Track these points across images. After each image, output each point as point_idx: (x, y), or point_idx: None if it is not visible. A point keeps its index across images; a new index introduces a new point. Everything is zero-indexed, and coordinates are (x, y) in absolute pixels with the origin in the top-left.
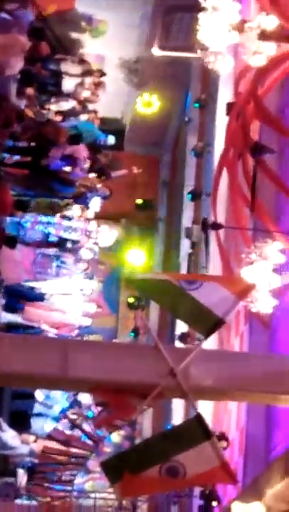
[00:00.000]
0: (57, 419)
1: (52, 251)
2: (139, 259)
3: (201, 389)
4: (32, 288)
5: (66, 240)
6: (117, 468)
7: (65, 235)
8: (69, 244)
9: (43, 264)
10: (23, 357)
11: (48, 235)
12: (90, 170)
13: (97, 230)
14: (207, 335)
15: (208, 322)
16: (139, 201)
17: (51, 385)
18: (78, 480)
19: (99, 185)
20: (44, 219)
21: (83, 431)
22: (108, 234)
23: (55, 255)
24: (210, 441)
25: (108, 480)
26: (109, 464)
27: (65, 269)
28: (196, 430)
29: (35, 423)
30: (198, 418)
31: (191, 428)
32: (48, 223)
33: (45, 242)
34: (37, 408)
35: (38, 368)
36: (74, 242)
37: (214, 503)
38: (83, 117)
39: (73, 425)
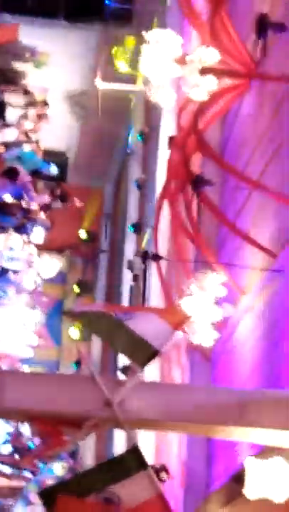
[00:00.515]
0: None
1: None
2: (82, 289)
3: (137, 420)
4: None
5: (8, 270)
6: (54, 497)
7: (6, 265)
8: (11, 274)
9: None
10: None
11: None
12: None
13: (40, 259)
14: (143, 365)
15: (144, 353)
16: (83, 233)
17: None
18: (19, 511)
19: (42, 217)
20: None
21: (24, 463)
22: (50, 264)
23: None
24: (146, 471)
25: (45, 508)
26: (46, 493)
27: (6, 300)
28: (132, 460)
29: None
30: (134, 448)
31: (128, 458)
32: None
33: None
34: None
35: None
36: (15, 272)
37: None
38: (26, 148)
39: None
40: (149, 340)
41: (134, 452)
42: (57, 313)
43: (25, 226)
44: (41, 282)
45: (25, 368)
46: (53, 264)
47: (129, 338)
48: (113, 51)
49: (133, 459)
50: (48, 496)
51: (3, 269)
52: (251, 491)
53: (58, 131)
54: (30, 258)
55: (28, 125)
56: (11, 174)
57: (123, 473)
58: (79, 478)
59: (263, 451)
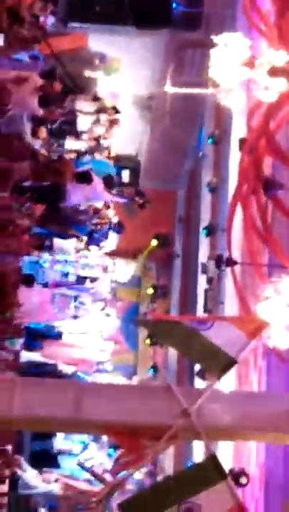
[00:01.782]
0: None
1: (70, 291)
2: (157, 294)
3: (215, 429)
4: (51, 327)
5: (85, 277)
6: (135, 509)
7: (83, 273)
8: (88, 282)
9: (61, 305)
10: (37, 400)
11: (66, 274)
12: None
13: (114, 264)
14: (219, 375)
15: (220, 362)
16: (156, 237)
17: (64, 428)
18: None
19: (114, 220)
20: (61, 258)
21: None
22: (125, 268)
23: (74, 296)
24: (225, 481)
25: None
26: (127, 506)
27: (83, 310)
28: (211, 471)
29: (61, 461)
30: (213, 458)
31: (206, 469)
32: (66, 262)
33: (63, 282)
34: (58, 447)
35: (52, 411)
36: (92, 279)
37: None
38: (97, 156)
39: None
40: (226, 349)
41: (212, 462)
42: (132, 318)
43: (98, 232)
44: (116, 288)
45: (103, 375)
46: (127, 269)
47: (205, 348)
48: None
49: (212, 469)
50: (127, 507)
51: (79, 277)
52: None
53: (128, 136)
54: (105, 264)
55: (99, 130)
56: (85, 178)
57: (202, 483)
58: (158, 490)
59: None
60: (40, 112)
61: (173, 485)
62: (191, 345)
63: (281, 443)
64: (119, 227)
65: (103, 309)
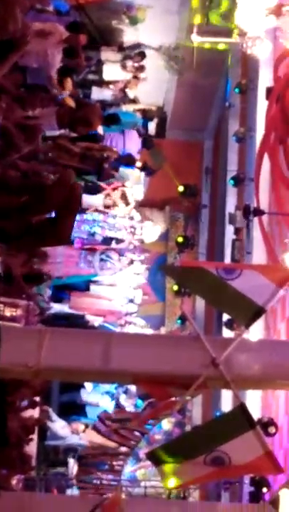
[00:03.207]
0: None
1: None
2: (184, 244)
3: (243, 378)
4: (78, 279)
5: (111, 238)
6: (162, 458)
7: (110, 234)
8: (114, 243)
9: (89, 260)
10: (65, 351)
11: (93, 234)
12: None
13: (142, 227)
14: (248, 324)
15: (249, 311)
16: (182, 188)
17: (93, 378)
18: (129, 468)
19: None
20: (90, 217)
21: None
22: (152, 229)
23: (101, 251)
24: (254, 430)
25: (154, 467)
26: (155, 454)
27: (110, 263)
28: (240, 420)
29: (89, 411)
30: (242, 407)
31: (235, 418)
32: (94, 221)
33: (91, 241)
34: (86, 398)
35: (80, 361)
36: (119, 240)
37: (264, 490)
38: (125, 108)
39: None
40: (254, 298)
41: (241, 411)
42: (159, 269)
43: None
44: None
45: (131, 327)
46: (154, 229)
47: (233, 297)
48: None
49: (241, 418)
50: (157, 457)
51: (105, 238)
52: None
53: (155, 87)
54: (133, 225)
55: (126, 76)
56: (113, 120)
57: (231, 432)
58: (186, 439)
59: None
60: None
61: (201, 434)
62: (219, 293)
63: None
64: (148, 171)
65: (131, 263)
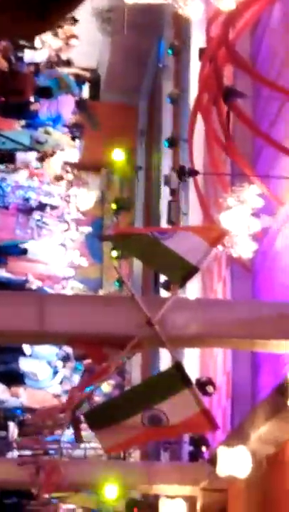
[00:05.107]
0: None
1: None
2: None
3: (179, 337)
4: (14, 244)
5: (46, 204)
6: (99, 418)
7: (44, 200)
8: (48, 209)
9: (24, 225)
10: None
11: (27, 199)
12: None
13: (76, 194)
14: (182, 283)
15: (182, 270)
16: (117, 150)
17: (28, 340)
18: (69, 431)
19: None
20: (25, 183)
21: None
22: (87, 197)
23: (36, 217)
24: (190, 388)
25: (90, 429)
26: (92, 415)
27: (45, 230)
28: (176, 378)
29: (27, 379)
30: (177, 366)
31: (171, 376)
32: (29, 187)
33: (25, 207)
34: (24, 366)
35: (14, 323)
36: (53, 207)
37: (203, 449)
38: (58, 70)
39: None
40: (188, 257)
41: (177, 370)
42: (97, 232)
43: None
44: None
45: (69, 288)
46: (89, 197)
47: (167, 257)
48: None
49: (177, 377)
50: (94, 418)
51: (41, 203)
52: None
53: (88, 49)
54: (67, 193)
55: (56, 43)
56: (45, 93)
57: (168, 390)
58: (123, 398)
59: None
60: None
61: (137, 393)
62: (153, 254)
63: (245, 349)
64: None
65: (67, 230)
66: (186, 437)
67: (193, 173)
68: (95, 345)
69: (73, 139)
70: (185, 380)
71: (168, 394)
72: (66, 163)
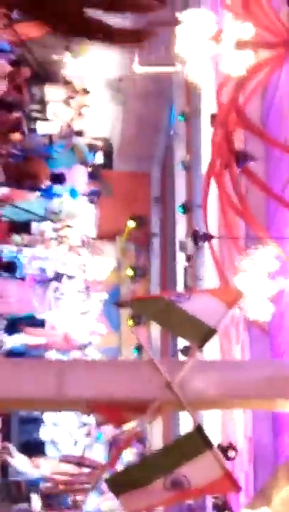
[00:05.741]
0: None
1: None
2: (137, 274)
3: (199, 400)
4: (31, 316)
5: (62, 274)
6: (121, 483)
7: (61, 270)
8: (65, 279)
9: (41, 296)
10: (17, 380)
11: (44, 270)
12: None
13: (92, 264)
14: (200, 345)
15: (200, 332)
16: (132, 219)
17: (48, 407)
18: (93, 502)
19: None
20: (41, 254)
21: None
22: (103, 265)
23: (54, 289)
24: (211, 451)
25: (114, 496)
26: (114, 480)
27: (62, 300)
28: (197, 441)
29: (48, 448)
30: (198, 429)
31: (192, 439)
32: (45, 258)
33: (42, 277)
34: (46, 433)
35: (34, 391)
36: (70, 276)
37: None
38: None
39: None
40: (205, 319)
41: (198, 432)
42: (113, 300)
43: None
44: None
45: (88, 356)
46: (106, 265)
47: (185, 320)
48: None
49: (198, 439)
50: (116, 482)
51: (57, 274)
52: None
53: (100, 118)
54: (83, 262)
55: (69, 114)
56: (59, 179)
57: (189, 454)
58: (145, 463)
59: None
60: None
61: (159, 457)
62: (170, 317)
63: (266, 409)
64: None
65: (85, 300)
66: (210, 504)
67: (208, 237)
68: (116, 411)
69: (90, 203)
70: (206, 443)
71: (190, 457)
72: (82, 233)
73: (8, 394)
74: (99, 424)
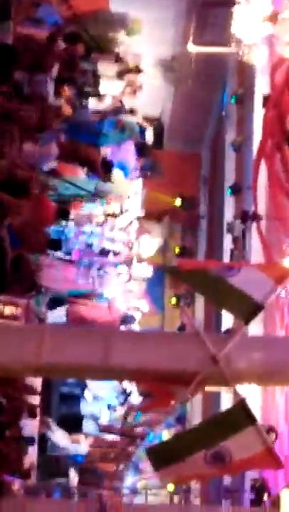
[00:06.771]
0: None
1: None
2: (183, 256)
3: (244, 375)
4: (76, 294)
5: (109, 250)
6: (162, 454)
7: (107, 246)
8: (111, 255)
9: (85, 275)
10: (65, 347)
11: (90, 245)
12: None
13: (139, 241)
14: (247, 321)
15: (247, 307)
16: (180, 199)
17: (93, 375)
18: (130, 479)
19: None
20: (87, 229)
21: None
22: (149, 243)
23: (98, 267)
24: (254, 426)
25: (152, 466)
26: (155, 451)
27: (107, 278)
28: (240, 415)
29: (86, 424)
30: (242, 403)
31: (235, 414)
32: (92, 233)
33: (88, 253)
34: (86, 409)
35: (80, 357)
36: (116, 253)
37: (265, 496)
38: (122, 117)
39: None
40: (253, 295)
41: (242, 407)
42: (159, 281)
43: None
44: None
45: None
46: (152, 244)
47: (232, 294)
48: None
49: (241, 414)
50: (156, 454)
51: (103, 249)
52: None
53: (151, 97)
54: (130, 240)
55: (122, 91)
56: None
57: (232, 428)
58: (187, 435)
59: None
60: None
61: (201, 430)
62: (217, 290)
63: None
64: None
65: (128, 281)
66: (248, 485)
67: (257, 217)
68: (159, 383)
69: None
70: (250, 417)
71: (232, 431)
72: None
73: (56, 360)
74: (141, 395)
